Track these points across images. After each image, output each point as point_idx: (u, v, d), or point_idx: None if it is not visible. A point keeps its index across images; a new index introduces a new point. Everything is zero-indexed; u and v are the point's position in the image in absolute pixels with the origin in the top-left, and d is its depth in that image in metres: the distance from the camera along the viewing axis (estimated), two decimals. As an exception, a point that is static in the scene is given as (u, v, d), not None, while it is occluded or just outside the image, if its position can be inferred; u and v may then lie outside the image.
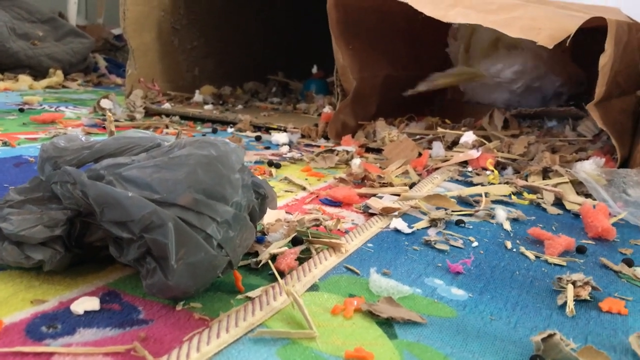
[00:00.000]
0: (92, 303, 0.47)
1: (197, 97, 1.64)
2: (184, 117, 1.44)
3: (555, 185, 0.92)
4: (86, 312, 0.46)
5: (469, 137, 1.14)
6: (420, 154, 1.08)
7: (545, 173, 1.00)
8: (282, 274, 0.54)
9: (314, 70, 2.28)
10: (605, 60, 1.01)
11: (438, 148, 1.11)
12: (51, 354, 0.40)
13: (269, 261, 0.54)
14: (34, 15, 2.19)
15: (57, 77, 2.04)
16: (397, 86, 1.46)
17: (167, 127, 1.31)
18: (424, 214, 0.77)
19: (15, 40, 2.06)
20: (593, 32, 1.08)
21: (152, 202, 0.45)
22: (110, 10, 2.96)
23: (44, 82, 1.95)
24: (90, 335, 0.43)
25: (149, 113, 1.45)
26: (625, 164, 1.06)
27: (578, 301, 0.54)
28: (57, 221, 0.50)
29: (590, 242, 0.72)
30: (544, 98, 1.48)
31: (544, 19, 1.07)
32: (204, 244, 0.44)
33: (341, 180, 0.91)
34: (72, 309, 0.46)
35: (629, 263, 0.64)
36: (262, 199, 0.56)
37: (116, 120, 1.35)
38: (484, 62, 1.46)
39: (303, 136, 1.29)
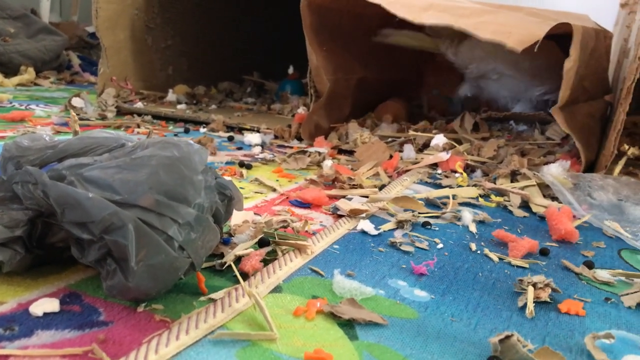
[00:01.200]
0: (51, 304, 0.46)
1: (171, 96, 1.63)
2: (157, 117, 1.43)
3: (523, 188, 0.94)
4: (45, 314, 0.45)
5: (439, 139, 1.15)
6: (391, 156, 1.09)
7: (514, 176, 1.01)
8: (247, 276, 0.54)
9: (290, 70, 2.28)
10: (569, 65, 1.03)
11: (409, 150, 1.12)
12: (6, 356, 0.39)
13: (232, 263, 0.54)
14: (5, 11, 2.15)
15: (28, 74, 2.01)
16: (371, 88, 1.47)
17: (138, 126, 1.30)
18: (392, 215, 0.77)
19: (-14, 36, 2.02)
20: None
21: (113, 203, 0.45)
22: (84, 8, 2.93)
23: (15, 80, 1.92)
24: (48, 337, 0.42)
25: (121, 112, 1.44)
26: (592, 167, 1.08)
27: (538, 303, 0.55)
28: (17, 222, 0.49)
29: (554, 244, 0.74)
30: (513, 97, 1.49)
31: (513, 24, 1.09)
32: (164, 246, 0.44)
33: (312, 181, 0.91)
34: (31, 310, 0.45)
35: (590, 265, 0.65)
36: (228, 200, 0.56)
37: (87, 119, 1.34)
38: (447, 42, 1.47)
39: (276, 137, 1.29)
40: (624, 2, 1.42)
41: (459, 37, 1.44)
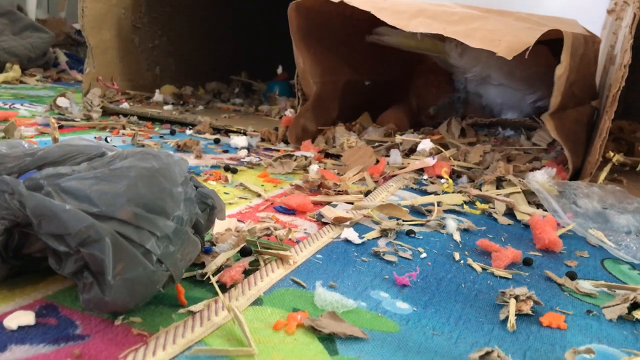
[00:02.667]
0: (26, 318, 0.45)
1: (157, 96, 1.62)
2: (143, 118, 1.42)
3: (508, 195, 0.94)
4: (20, 327, 0.45)
5: (426, 144, 1.15)
6: (378, 161, 1.09)
7: (499, 182, 1.01)
8: (226, 287, 0.53)
9: (279, 71, 2.27)
10: (561, 72, 1.03)
11: (395, 155, 1.12)
12: (-22, 373, 0.39)
13: (211, 275, 0.53)
14: (-9, 7, 2.13)
15: (14, 72, 1.99)
16: (359, 91, 1.47)
17: (124, 127, 1.29)
18: (376, 223, 0.77)
19: (-29, 33, 2.00)
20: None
21: (90, 215, 0.44)
22: (72, 4, 2.90)
23: (0, 77, 1.90)
24: (22, 352, 0.41)
25: (106, 112, 1.42)
26: (577, 174, 1.09)
27: (520, 315, 0.55)
28: (-7, 232, 0.49)
29: (537, 253, 0.74)
30: (506, 105, 1.48)
31: (503, 31, 1.09)
32: (142, 260, 0.44)
33: (297, 187, 0.91)
34: (5, 324, 0.44)
35: (572, 276, 0.65)
36: (210, 209, 0.56)
37: (73, 120, 1.32)
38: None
39: (263, 140, 1.29)
40: (611, 8, 1.42)
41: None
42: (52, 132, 0.62)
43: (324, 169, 1.04)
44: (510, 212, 0.89)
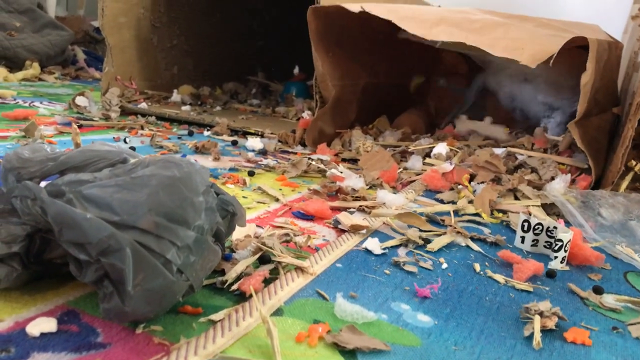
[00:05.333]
0: (49, 324, 0.45)
1: (175, 96, 1.62)
2: (161, 118, 1.42)
3: (527, 207, 0.92)
4: (42, 334, 0.44)
5: (441, 148, 1.13)
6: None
7: (517, 191, 1.00)
8: (244, 295, 0.53)
9: (296, 71, 2.27)
10: (586, 79, 1.02)
11: (415, 160, 1.11)
12: (0, 382, 0.38)
13: (253, 293, 0.53)
14: (12, 5, 2.15)
15: (33, 69, 2.00)
16: (377, 94, 1.46)
17: (142, 127, 1.29)
18: (395, 231, 0.76)
19: (-9, 30, 2.02)
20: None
21: (111, 223, 0.44)
22: (91, 2, 2.92)
23: (20, 75, 1.92)
24: (44, 360, 0.41)
25: (125, 112, 1.43)
26: (597, 182, 1.07)
27: (543, 330, 0.54)
28: (15, 237, 0.49)
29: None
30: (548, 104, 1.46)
31: (526, 39, 1.08)
32: (162, 270, 0.43)
33: (315, 192, 0.90)
34: (28, 330, 0.44)
35: (598, 291, 0.64)
36: (231, 216, 0.55)
37: (91, 119, 1.33)
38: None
39: (280, 142, 1.28)
40: (635, 14, 1.40)
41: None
42: (74, 137, 0.62)
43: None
44: (530, 222, 0.88)
